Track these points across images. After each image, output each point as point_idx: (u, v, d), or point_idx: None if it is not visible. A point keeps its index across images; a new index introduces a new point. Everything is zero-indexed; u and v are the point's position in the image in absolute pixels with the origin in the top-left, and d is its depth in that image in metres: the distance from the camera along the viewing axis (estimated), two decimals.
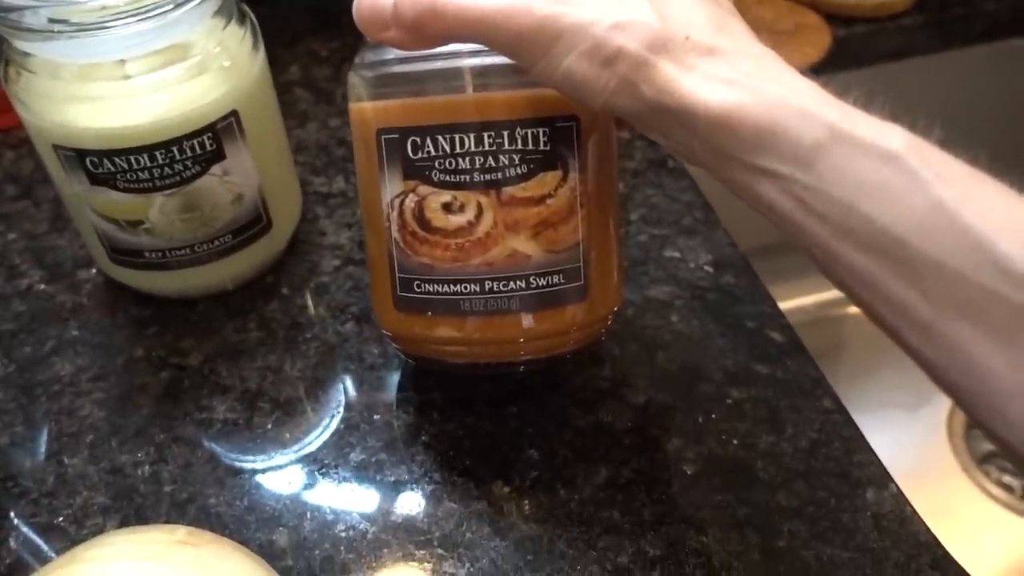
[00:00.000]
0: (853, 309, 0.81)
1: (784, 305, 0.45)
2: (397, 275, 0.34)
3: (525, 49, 0.26)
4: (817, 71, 0.66)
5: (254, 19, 0.42)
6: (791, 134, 0.24)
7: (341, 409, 0.41)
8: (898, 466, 0.38)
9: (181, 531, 0.28)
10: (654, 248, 0.48)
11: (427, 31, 0.27)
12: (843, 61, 0.67)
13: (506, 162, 0.31)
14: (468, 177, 0.31)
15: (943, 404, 0.73)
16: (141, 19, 0.35)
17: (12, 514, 0.37)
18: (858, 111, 0.25)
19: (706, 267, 0.47)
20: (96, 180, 0.39)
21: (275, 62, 0.44)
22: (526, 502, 0.36)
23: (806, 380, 0.41)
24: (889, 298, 0.25)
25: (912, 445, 0.72)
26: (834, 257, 0.25)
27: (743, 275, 0.46)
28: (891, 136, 0.24)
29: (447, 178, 0.32)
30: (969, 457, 0.71)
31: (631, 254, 0.47)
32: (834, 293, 0.85)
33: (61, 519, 0.37)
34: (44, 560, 0.35)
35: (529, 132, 0.31)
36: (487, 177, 0.31)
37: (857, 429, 0.39)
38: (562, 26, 0.25)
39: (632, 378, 0.41)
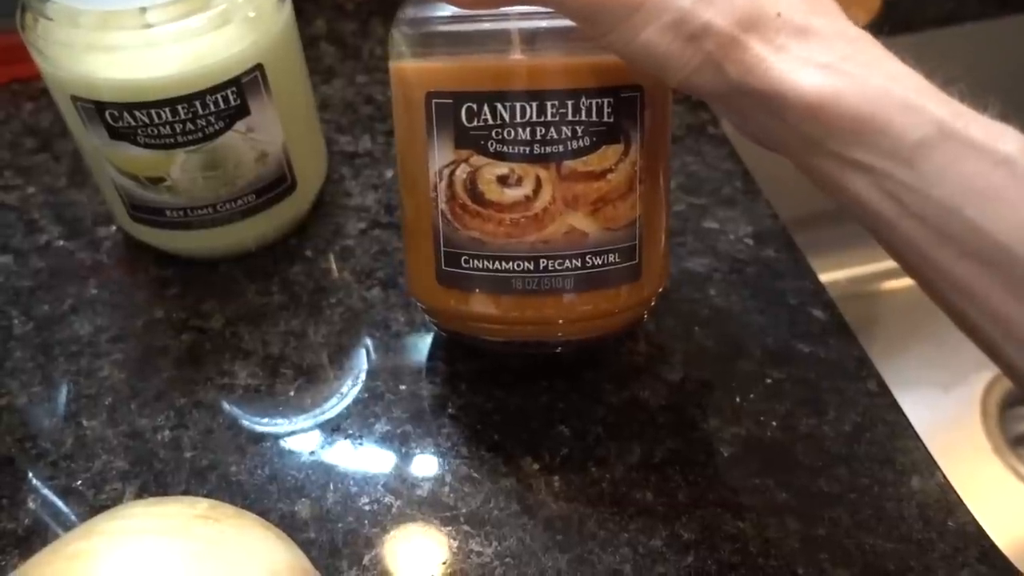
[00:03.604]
0: (887, 284, 0.79)
1: None
2: (443, 249, 0.32)
3: (600, 16, 0.24)
4: None
5: None
6: (894, 128, 0.22)
7: (366, 377, 0.39)
8: (930, 445, 0.37)
9: (202, 504, 0.27)
10: (692, 218, 0.46)
11: None
12: (892, 25, 0.64)
13: (568, 134, 0.29)
14: (527, 149, 0.29)
15: (978, 384, 0.71)
16: None
17: (30, 475, 0.36)
18: (967, 108, 0.23)
19: (746, 239, 0.45)
20: (116, 134, 0.37)
21: (300, 15, 0.42)
22: (556, 480, 0.35)
23: (849, 360, 0.39)
24: (989, 310, 0.23)
25: (945, 424, 0.70)
26: (930, 261, 0.23)
27: (784, 249, 0.44)
28: (1005, 138, 0.22)
29: (504, 149, 0.30)
30: (1003, 438, 0.69)
31: None
32: (867, 268, 0.83)
33: (79, 483, 0.36)
34: (62, 523, 0.35)
35: (593, 103, 0.29)
36: (547, 149, 0.29)
37: (902, 413, 0.37)
38: None
39: (668, 354, 0.40)
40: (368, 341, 0.41)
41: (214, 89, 0.37)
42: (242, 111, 0.38)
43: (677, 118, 0.52)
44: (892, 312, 0.76)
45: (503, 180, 0.30)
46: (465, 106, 0.29)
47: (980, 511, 0.35)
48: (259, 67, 0.38)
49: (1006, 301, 0.23)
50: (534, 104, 0.29)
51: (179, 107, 0.36)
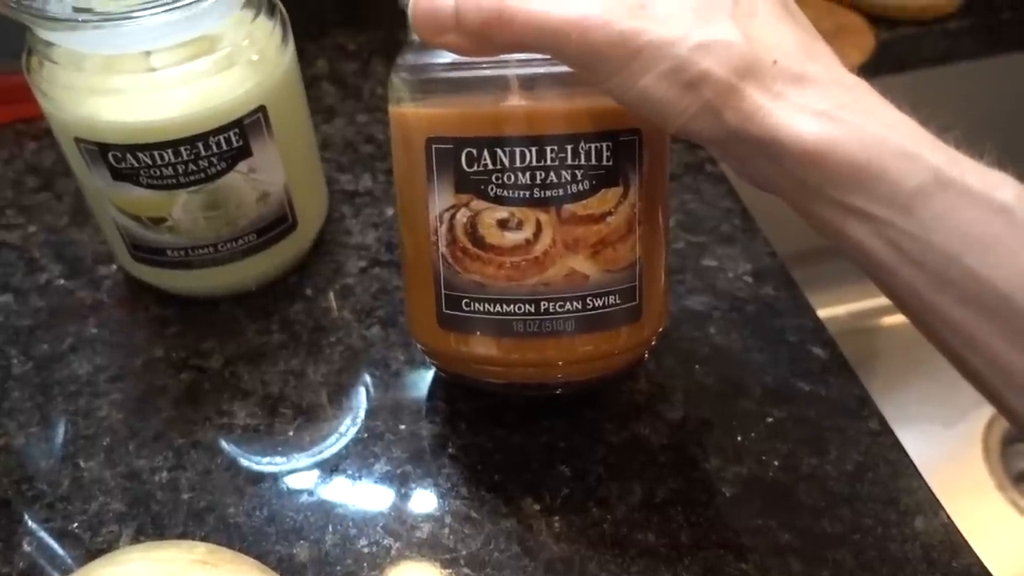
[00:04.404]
0: (887, 320, 0.79)
1: None
2: (443, 292, 0.32)
3: (599, 64, 0.24)
4: (859, 75, 0.64)
5: (284, 11, 0.40)
6: (891, 176, 0.23)
7: (365, 417, 0.39)
8: (932, 482, 0.36)
9: (200, 549, 0.27)
10: (691, 256, 0.46)
11: (493, 39, 0.25)
12: (886, 65, 0.65)
13: (568, 178, 0.30)
14: (528, 193, 0.30)
15: (979, 419, 0.71)
16: (168, 9, 0.34)
17: (27, 517, 0.36)
18: (963, 155, 0.23)
19: (745, 277, 0.45)
20: (119, 175, 0.37)
21: (302, 55, 0.42)
22: (557, 521, 0.35)
23: (850, 399, 0.39)
24: (989, 357, 0.23)
25: (947, 461, 0.70)
26: (929, 308, 0.24)
27: (784, 287, 0.44)
28: (1003, 186, 0.22)
29: (505, 193, 0.30)
30: (1005, 475, 0.69)
31: None
32: (867, 303, 0.83)
33: (76, 525, 0.35)
34: (58, 567, 0.34)
35: (592, 147, 0.29)
36: (547, 193, 0.30)
37: (904, 453, 0.37)
38: (642, 43, 0.23)
39: (668, 392, 0.39)
40: (368, 380, 0.41)
41: (217, 131, 0.37)
42: (244, 152, 0.38)
43: (675, 156, 0.52)
44: (892, 348, 0.76)
45: (503, 224, 0.30)
46: (465, 151, 0.30)
47: (984, 548, 0.35)
48: (262, 109, 0.38)
49: (1006, 349, 0.23)
50: (533, 149, 0.29)
51: (182, 148, 0.37)
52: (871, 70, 0.64)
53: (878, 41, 0.66)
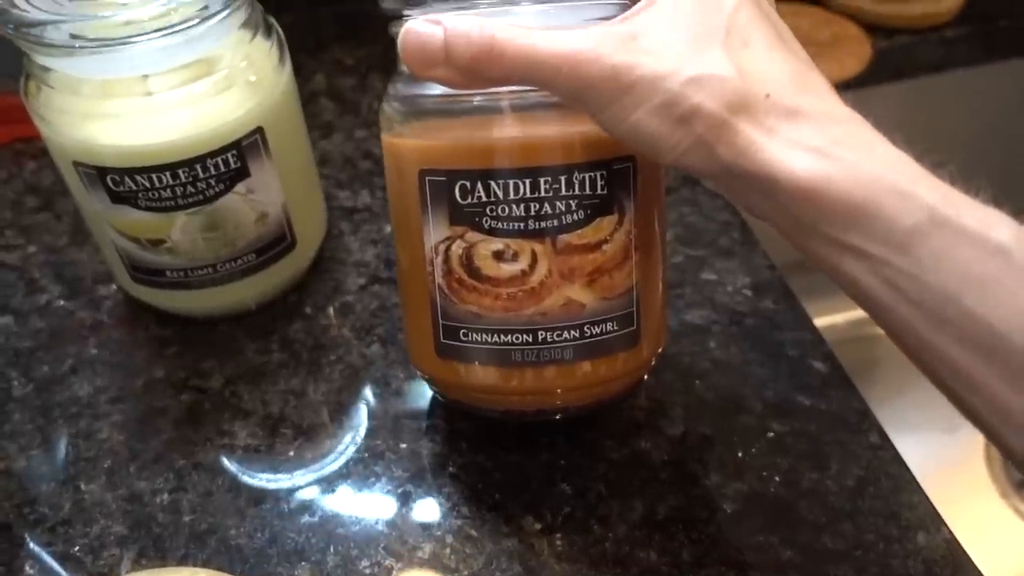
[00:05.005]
0: None
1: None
2: (441, 322, 0.32)
3: (591, 98, 0.24)
4: (857, 83, 0.64)
5: (280, 32, 0.41)
6: (886, 214, 0.22)
7: (366, 436, 0.39)
8: (933, 490, 0.36)
9: (201, 574, 0.27)
10: (690, 270, 0.46)
11: (483, 73, 0.25)
12: (883, 73, 0.65)
13: (563, 208, 0.29)
14: (522, 225, 0.30)
15: None
16: (166, 34, 0.34)
17: (28, 541, 0.36)
18: (958, 193, 0.23)
19: (744, 291, 0.45)
20: (117, 198, 0.37)
21: (299, 71, 0.42)
22: (558, 540, 0.35)
23: (851, 413, 0.39)
24: (987, 396, 0.23)
25: (949, 468, 0.70)
26: (927, 346, 0.23)
27: (783, 300, 0.44)
28: (999, 226, 0.22)
29: (499, 225, 0.30)
30: (1008, 482, 0.68)
31: None
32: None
33: (77, 549, 0.35)
34: None
35: (587, 176, 0.29)
36: (542, 224, 0.30)
37: (906, 467, 0.37)
38: (634, 77, 0.23)
39: (668, 408, 0.39)
40: (368, 398, 0.41)
41: (215, 153, 0.37)
42: (242, 173, 0.38)
43: (672, 169, 0.52)
44: (891, 356, 0.76)
45: (499, 255, 0.30)
46: (459, 184, 0.29)
47: (986, 556, 0.35)
48: (259, 130, 0.38)
49: (1004, 389, 0.22)
50: (527, 180, 0.29)
51: (180, 171, 0.37)
52: (869, 79, 0.64)
53: (875, 50, 0.66)
